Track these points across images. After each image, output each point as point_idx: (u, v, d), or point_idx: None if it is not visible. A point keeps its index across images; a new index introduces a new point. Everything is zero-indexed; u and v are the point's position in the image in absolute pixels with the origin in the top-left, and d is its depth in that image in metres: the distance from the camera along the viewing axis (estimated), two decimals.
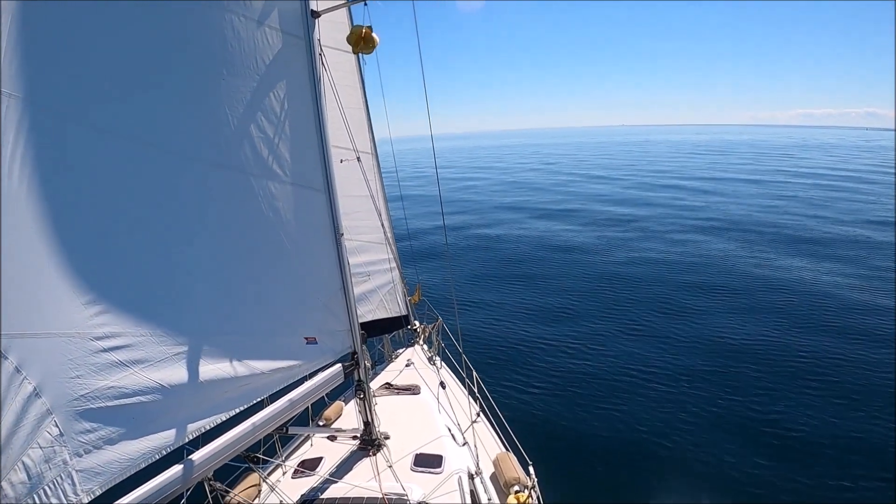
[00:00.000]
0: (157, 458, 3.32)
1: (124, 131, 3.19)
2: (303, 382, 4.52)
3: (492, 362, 11.48)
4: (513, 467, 5.18)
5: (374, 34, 4.13)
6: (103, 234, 3.16)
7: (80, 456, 2.96)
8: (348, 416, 6.35)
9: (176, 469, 3.46)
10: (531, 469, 5.33)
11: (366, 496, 4.50)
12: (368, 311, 8.28)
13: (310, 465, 5.18)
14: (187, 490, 3.59)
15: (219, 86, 3.54)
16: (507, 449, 5.80)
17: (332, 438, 5.47)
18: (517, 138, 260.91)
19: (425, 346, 8.51)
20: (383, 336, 8.80)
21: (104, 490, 3.05)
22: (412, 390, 6.78)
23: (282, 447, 5.64)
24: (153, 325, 3.37)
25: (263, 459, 4.82)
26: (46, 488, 2.80)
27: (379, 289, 8.42)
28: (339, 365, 4.79)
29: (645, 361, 11.59)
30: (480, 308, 15.37)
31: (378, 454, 5.18)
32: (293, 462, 5.35)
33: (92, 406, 3.03)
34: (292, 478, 5.07)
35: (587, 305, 15.41)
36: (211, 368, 3.65)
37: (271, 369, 4.06)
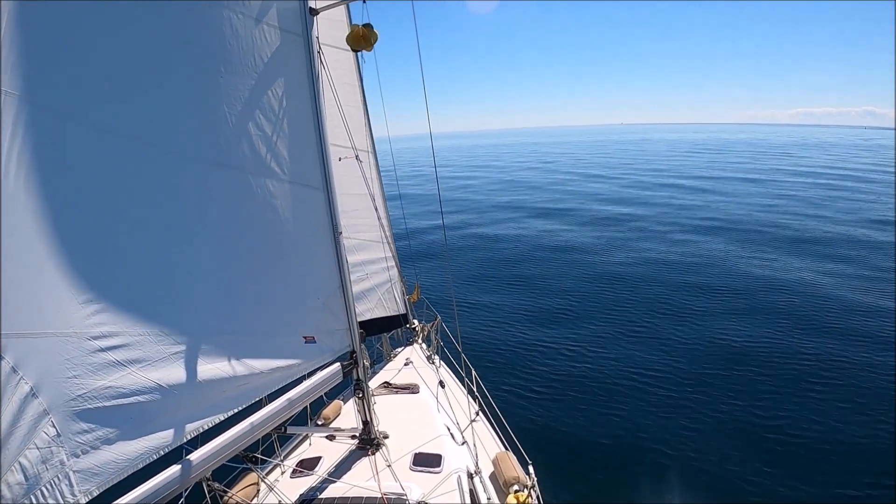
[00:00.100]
0: (155, 458, 3.31)
1: (123, 130, 3.18)
2: (301, 382, 4.51)
3: (490, 365, 11.37)
4: (512, 466, 5.17)
5: (374, 29, 4.12)
6: (101, 234, 3.14)
7: (78, 456, 2.94)
8: (347, 415, 6.33)
9: (174, 469, 3.44)
10: (531, 468, 5.32)
11: (365, 496, 4.49)
12: (367, 310, 8.28)
13: (308, 465, 5.16)
14: (185, 490, 3.58)
15: (217, 84, 3.53)
16: (506, 448, 5.78)
17: (331, 438, 5.46)
18: (515, 137, 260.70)
19: (424, 345, 8.49)
20: (382, 335, 8.79)
21: (102, 490, 3.03)
22: (411, 389, 6.76)
23: (280, 447, 5.62)
24: (151, 324, 3.35)
25: (262, 459, 4.80)
26: (44, 489, 2.79)
27: (377, 287, 8.41)
28: (337, 364, 4.78)
29: (645, 364, 11.49)
30: (478, 310, 15.29)
31: (377, 453, 5.16)
32: (292, 462, 5.33)
33: (89, 406, 3.01)
34: (291, 477, 5.06)
35: (586, 306, 15.34)
36: (209, 368, 3.64)
37: (270, 368, 4.05)
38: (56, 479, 2.84)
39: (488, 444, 5.85)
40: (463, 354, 6.78)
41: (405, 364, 7.68)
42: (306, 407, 4.83)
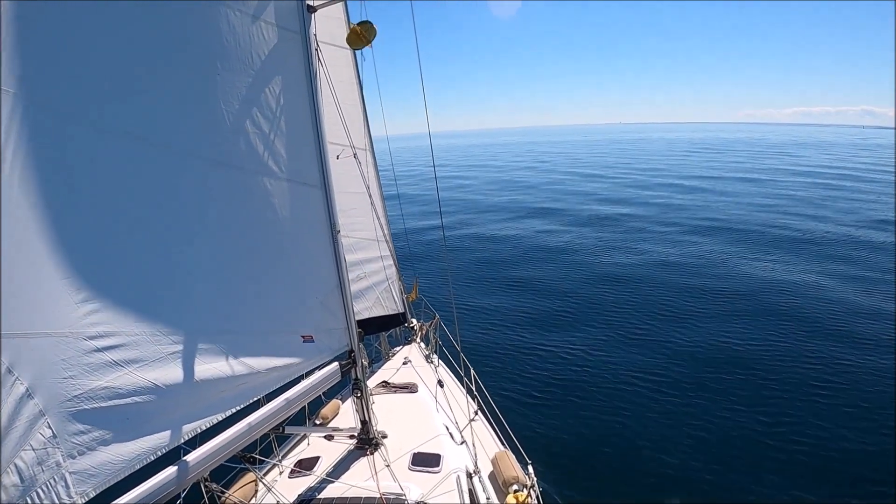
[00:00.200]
0: (153, 459, 3.28)
1: (122, 129, 3.16)
2: (299, 381, 4.49)
3: (488, 369, 11.18)
4: (511, 466, 5.16)
5: (372, 25, 4.11)
6: (99, 233, 3.12)
7: (74, 458, 2.92)
8: (345, 414, 6.31)
9: (171, 470, 3.42)
10: (530, 468, 5.31)
11: (363, 496, 4.47)
12: (365, 309, 8.26)
13: (307, 465, 5.14)
14: (183, 491, 3.56)
15: (215, 82, 3.51)
16: (505, 447, 5.77)
17: (329, 438, 5.43)
18: (513, 136, 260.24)
19: (422, 344, 8.47)
20: (380, 334, 8.78)
21: (98, 492, 3.01)
22: (409, 388, 6.74)
23: (278, 447, 5.61)
24: (149, 324, 3.33)
25: (260, 459, 4.79)
26: (39, 491, 2.76)
27: (376, 286, 8.39)
28: (335, 363, 4.76)
29: (646, 367, 11.35)
30: (476, 312, 15.16)
31: (375, 453, 5.15)
32: (290, 462, 5.31)
33: (86, 407, 2.98)
34: (289, 478, 5.04)
35: (584, 308, 15.25)
36: (207, 368, 3.62)
37: (268, 368, 4.03)
38: (52, 481, 2.82)
39: (487, 443, 5.84)
40: (462, 353, 6.76)
41: (403, 363, 7.66)
42: (304, 407, 4.81)
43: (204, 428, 3.61)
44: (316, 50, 4.04)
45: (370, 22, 4.09)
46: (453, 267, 19.82)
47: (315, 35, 4.03)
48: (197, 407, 3.56)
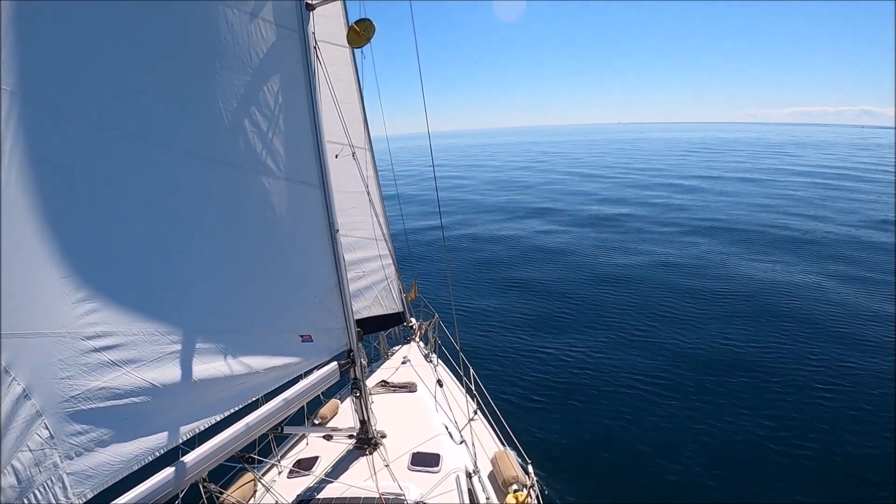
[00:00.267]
0: (151, 459, 3.27)
1: (121, 128, 3.14)
2: (298, 381, 4.48)
3: (487, 372, 11.05)
4: (511, 466, 5.15)
5: (371, 22, 4.09)
6: (97, 232, 3.10)
7: (72, 458, 2.90)
8: (344, 414, 6.30)
9: (169, 471, 3.41)
10: (530, 468, 5.30)
11: (362, 496, 4.46)
12: (364, 308, 8.25)
13: (305, 465, 5.13)
14: (181, 491, 3.54)
15: (214, 81, 3.50)
16: (504, 447, 5.76)
17: (328, 438, 5.43)
18: (512, 136, 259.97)
19: (422, 344, 8.46)
20: (379, 333, 8.76)
21: (96, 493, 2.99)
22: (409, 388, 6.73)
23: (277, 447, 5.59)
24: (147, 323, 3.31)
25: (258, 459, 4.77)
26: (37, 492, 2.74)
27: (374, 285, 8.38)
28: (334, 363, 4.75)
29: (646, 369, 11.26)
30: (475, 313, 15.07)
31: (374, 453, 5.14)
32: (288, 462, 5.30)
33: (83, 407, 2.97)
34: (288, 478, 5.03)
35: (584, 310, 15.16)
36: (206, 368, 3.61)
37: (266, 368, 4.01)
38: (49, 482, 2.80)
39: (487, 443, 5.83)
40: (461, 353, 6.75)
41: (403, 363, 7.65)
42: (303, 406, 4.80)
43: (202, 428, 3.59)
44: (314, 48, 4.03)
45: (369, 19, 4.08)
46: (452, 267, 19.76)
47: (314, 33, 4.02)
48: (195, 407, 3.54)
